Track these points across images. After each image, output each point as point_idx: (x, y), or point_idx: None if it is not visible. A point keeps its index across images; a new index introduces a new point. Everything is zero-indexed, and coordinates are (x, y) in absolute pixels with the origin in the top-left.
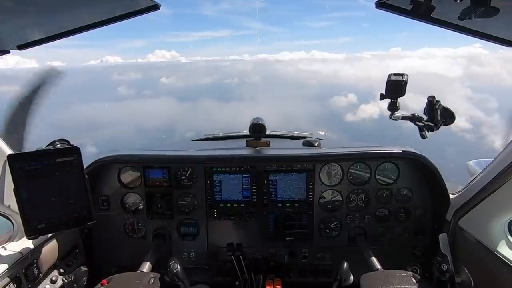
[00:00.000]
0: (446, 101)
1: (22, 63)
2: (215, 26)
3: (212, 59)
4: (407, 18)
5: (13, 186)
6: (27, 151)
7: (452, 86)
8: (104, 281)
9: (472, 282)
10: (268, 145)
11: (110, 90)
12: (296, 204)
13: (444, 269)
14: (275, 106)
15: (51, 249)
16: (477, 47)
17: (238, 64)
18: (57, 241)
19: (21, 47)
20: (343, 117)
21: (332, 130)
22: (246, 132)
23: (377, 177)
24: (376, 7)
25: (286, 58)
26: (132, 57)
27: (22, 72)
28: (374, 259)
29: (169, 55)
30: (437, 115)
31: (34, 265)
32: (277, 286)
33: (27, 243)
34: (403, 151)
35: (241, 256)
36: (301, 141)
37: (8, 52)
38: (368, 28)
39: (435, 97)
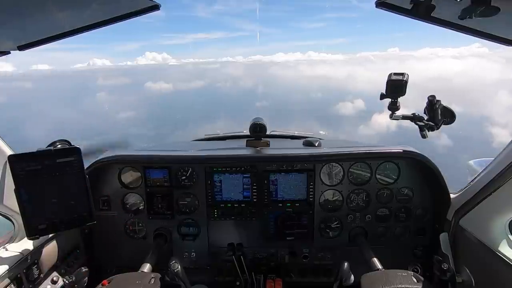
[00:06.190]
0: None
1: None
2: (208, 28)
3: (206, 60)
4: (403, 19)
5: (14, 187)
6: (28, 151)
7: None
8: (105, 281)
9: (473, 281)
10: (268, 145)
11: (88, 98)
12: (296, 204)
13: (445, 268)
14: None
15: (52, 249)
16: (478, 46)
17: (230, 66)
18: (57, 242)
19: (22, 47)
20: (356, 131)
21: None
22: (246, 132)
23: (378, 176)
24: (376, 6)
25: (282, 60)
26: (122, 60)
27: None
28: (374, 259)
29: (160, 57)
30: (437, 114)
31: (35, 266)
32: (278, 286)
33: (28, 244)
34: (403, 151)
35: (241, 256)
36: (302, 141)
37: (8, 52)
38: (362, 29)
39: (435, 96)
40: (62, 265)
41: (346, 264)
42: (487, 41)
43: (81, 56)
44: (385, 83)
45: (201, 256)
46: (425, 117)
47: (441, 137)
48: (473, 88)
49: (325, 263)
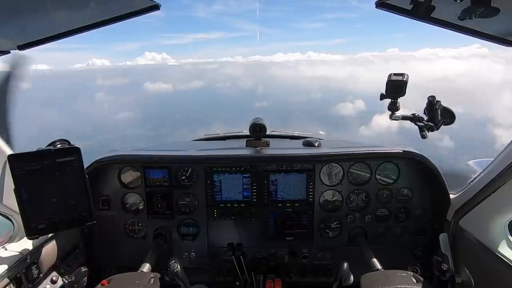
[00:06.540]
0: None
1: None
2: (208, 28)
3: (205, 61)
4: (403, 19)
5: (13, 186)
6: (27, 151)
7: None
8: (104, 281)
9: (473, 282)
10: (268, 145)
11: (87, 98)
12: (296, 204)
13: (444, 269)
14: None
15: (51, 249)
16: (477, 47)
17: (230, 66)
18: (57, 241)
19: (21, 47)
20: (356, 132)
21: None
22: (246, 132)
23: (378, 177)
24: (376, 7)
25: (281, 60)
26: (121, 60)
27: None
28: (374, 259)
29: (160, 57)
30: (437, 115)
31: (35, 266)
32: (277, 286)
33: (27, 244)
34: (403, 151)
35: (241, 256)
36: (301, 141)
37: (8, 52)
38: (362, 29)
39: (435, 96)
40: (61, 265)
41: (345, 264)
42: (486, 41)
43: (80, 56)
44: (385, 84)
45: (200, 256)
46: (425, 118)
47: (443, 139)
48: (474, 89)
49: (325, 263)
